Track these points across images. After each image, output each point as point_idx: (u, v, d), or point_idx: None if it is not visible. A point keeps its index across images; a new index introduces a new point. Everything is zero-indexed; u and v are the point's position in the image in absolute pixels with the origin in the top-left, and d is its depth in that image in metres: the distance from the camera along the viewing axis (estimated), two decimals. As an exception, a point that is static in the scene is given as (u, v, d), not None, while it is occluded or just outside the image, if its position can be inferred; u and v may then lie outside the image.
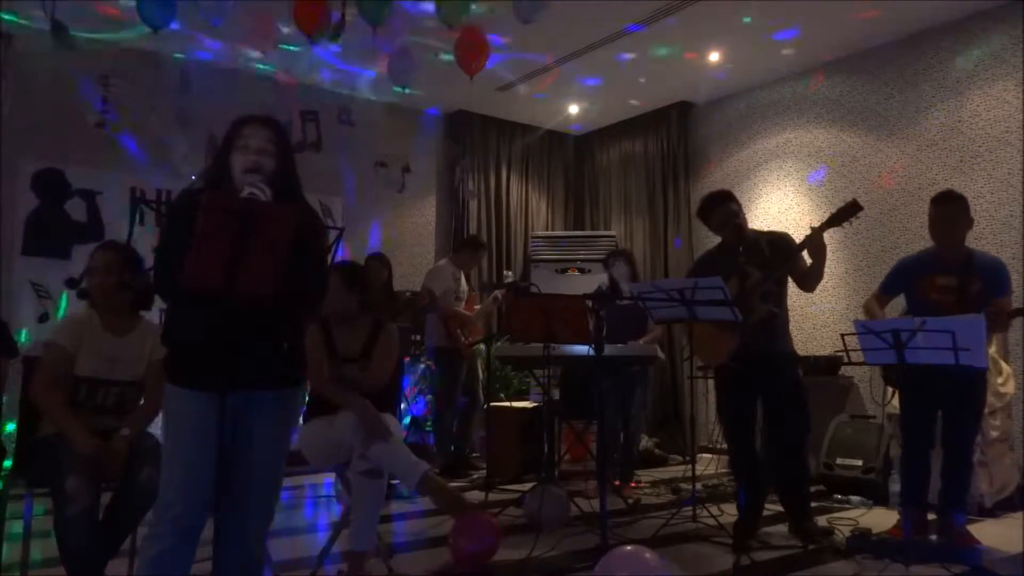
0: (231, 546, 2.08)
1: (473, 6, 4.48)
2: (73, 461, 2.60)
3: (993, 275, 3.53)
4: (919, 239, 5.41)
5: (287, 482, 4.99)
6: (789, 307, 3.93)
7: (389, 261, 5.53)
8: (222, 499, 2.01)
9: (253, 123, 2.16)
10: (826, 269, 3.74)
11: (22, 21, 5.17)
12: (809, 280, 3.75)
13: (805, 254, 3.68)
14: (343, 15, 4.44)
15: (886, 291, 3.85)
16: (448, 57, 5.20)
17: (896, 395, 3.88)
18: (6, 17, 5.07)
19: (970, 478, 3.76)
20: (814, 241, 3.56)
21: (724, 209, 3.84)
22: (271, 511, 2.22)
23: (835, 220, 3.51)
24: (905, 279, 3.74)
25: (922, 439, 3.65)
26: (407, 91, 5.34)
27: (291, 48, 5.74)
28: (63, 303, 5.44)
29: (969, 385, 3.51)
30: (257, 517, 2.15)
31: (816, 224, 3.60)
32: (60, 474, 2.58)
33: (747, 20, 5.44)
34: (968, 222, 3.61)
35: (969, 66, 5.34)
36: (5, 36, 5.19)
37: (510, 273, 6.81)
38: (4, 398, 3.10)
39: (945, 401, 3.57)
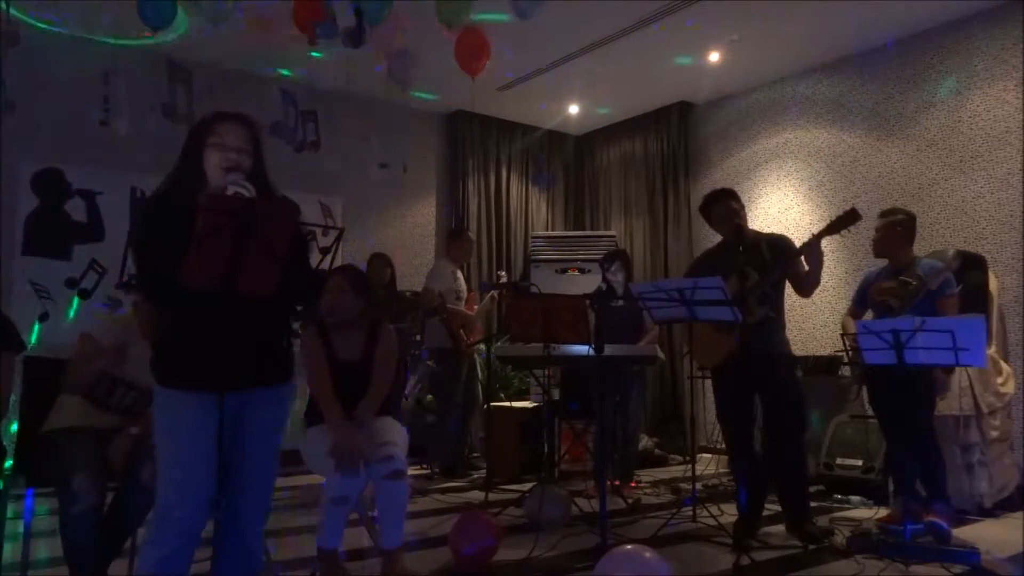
0: (231, 544, 2.09)
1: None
2: (80, 458, 2.61)
3: (929, 276, 3.80)
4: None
5: (287, 482, 5.00)
6: (789, 307, 3.94)
7: (391, 260, 5.54)
8: (224, 497, 2.02)
9: (228, 121, 2.12)
10: (826, 270, 3.76)
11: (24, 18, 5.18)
12: (806, 286, 3.77)
13: (803, 258, 3.69)
14: (360, 21, 4.40)
15: (856, 304, 4.21)
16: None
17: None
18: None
19: (935, 464, 3.85)
20: (811, 248, 3.58)
21: (723, 206, 3.86)
22: (267, 507, 2.22)
23: (833, 228, 3.55)
24: (864, 290, 4.14)
25: (893, 432, 3.94)
26: (406, 91, 5.34)
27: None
28: (74, 306, 5.44)
29: (911, 382, 3.69)
30: (255, 513, 2.16)
31: (815, 230, 3.62)
32: (67, 471, 2.58)
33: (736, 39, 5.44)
34: (905, 233, 3.99)
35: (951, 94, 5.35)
36: (8, 35, 5.19)
37: (503, 273, 6.81)
38: (13, 396, 3.10)
39: (898, 399, 3.77)
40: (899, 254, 4.00)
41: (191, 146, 2.11)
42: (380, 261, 5.43)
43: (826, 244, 3.65)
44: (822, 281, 3.83)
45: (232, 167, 2.04)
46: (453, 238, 6.03)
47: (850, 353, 3.68)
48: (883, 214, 4.07)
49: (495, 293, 5.91)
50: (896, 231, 3.99)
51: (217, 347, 1.93)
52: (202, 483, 1.96)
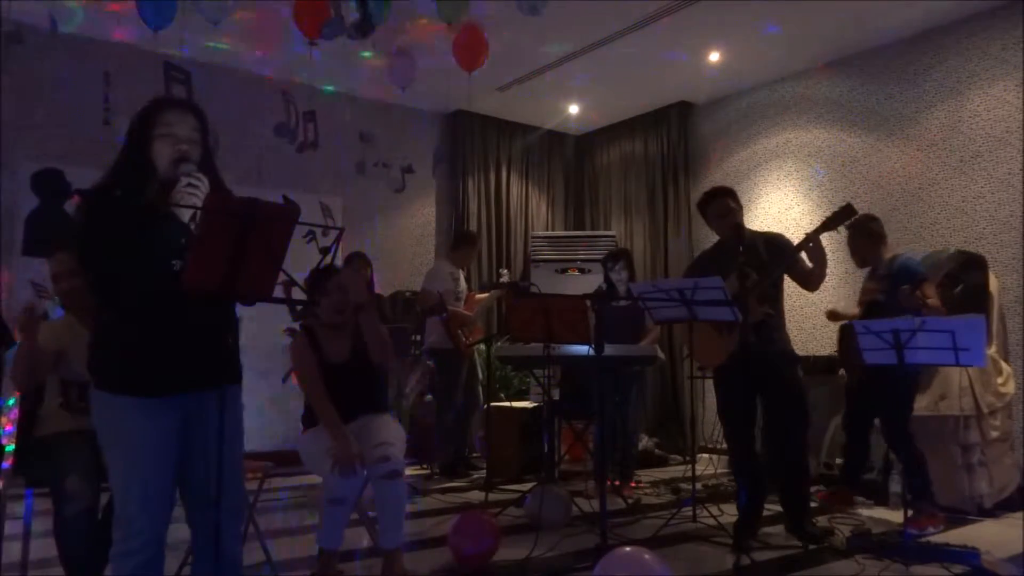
0: (210, 550, 2.00)
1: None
2: (73, 460, 2.61)
3: (900, 271, 4.09)
4: (919, 239, 5.43)
5: (286, 482, 5.01)
6: (789, 307, 3.95)
7: (369, 260, 5.49)
8: (194, 502, 2.01)
9: (175, 109, 2.01)
10: (827, 269, 3.75)
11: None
12: (812, 281, 3.76)
13: (805, 255, 3.68)
14: (366, 11, 4.37)
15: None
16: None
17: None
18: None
19: (912, 465, 3.96)
20: (810, 245, 3.58)
21: (721, 203, 3.85)
22: (242, 508, 2.19)
23: (829, 224, 3.54)
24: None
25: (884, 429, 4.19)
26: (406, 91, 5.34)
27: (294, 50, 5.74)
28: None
29: (891, 383, 3.85)
30: (230, 516, 2.06)
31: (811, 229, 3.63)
32: (60, 473, 2.58)
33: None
34: (871, 238, 4.28)
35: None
36: (7, 36, 5.19)
37: (506, 272, 6.80)
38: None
39: (881, 401, 4.07)
40: (870, 257, 4.30)
41: (136, 136, 1.99)
42: (359, 260, 5.39)
43: (826, 244, 3.65)
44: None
45: (182, 158, 1.95)
46: (463, 243, 5.95)
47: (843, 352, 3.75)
48: (848, 229, 4.25)
49: (496, 293, 5.95)
50: (861, 240, 4.30)
51: (181, 348, 1.91)
52: (162, 491, 1.94)
